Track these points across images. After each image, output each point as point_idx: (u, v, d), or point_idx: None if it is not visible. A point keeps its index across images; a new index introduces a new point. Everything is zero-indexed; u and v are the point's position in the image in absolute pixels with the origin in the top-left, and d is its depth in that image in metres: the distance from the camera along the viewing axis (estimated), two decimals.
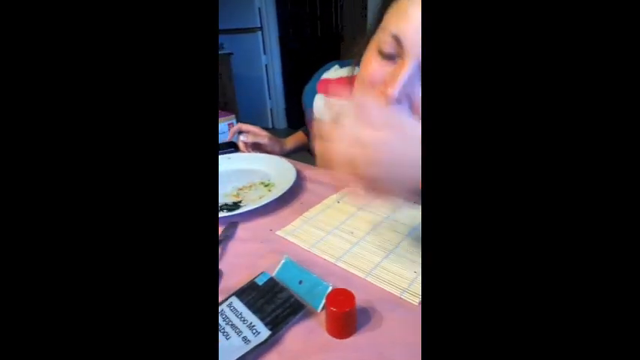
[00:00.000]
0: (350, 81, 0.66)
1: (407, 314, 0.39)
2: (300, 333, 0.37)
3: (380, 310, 0.39)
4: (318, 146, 0.35)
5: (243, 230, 0.55)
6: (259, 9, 2.97)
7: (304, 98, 0.78)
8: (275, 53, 3.13)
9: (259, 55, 3.14)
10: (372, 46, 0.45)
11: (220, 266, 0.47)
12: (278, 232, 0.54)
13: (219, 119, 1.05)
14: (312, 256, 0.49)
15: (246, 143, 0.81)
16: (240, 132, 0.81)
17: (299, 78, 3.07)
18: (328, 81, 0.73)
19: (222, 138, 1.00)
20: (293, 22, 2.95)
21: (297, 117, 3.20)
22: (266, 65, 3.19)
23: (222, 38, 3.22)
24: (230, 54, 2.92)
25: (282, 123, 3.39)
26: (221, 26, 3.23)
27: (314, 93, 0.74)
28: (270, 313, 0.38)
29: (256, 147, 0.83)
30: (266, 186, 0.67)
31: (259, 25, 3.03)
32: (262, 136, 0.81)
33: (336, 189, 0.66)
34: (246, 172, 0.73)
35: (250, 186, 0.67)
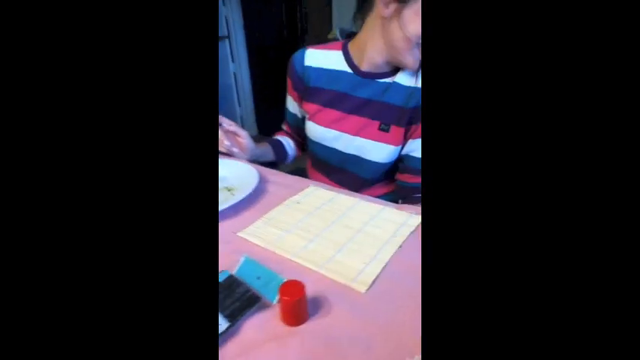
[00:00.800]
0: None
1: (354, 301, 0.43)
2: (256, 323, 0.40)
3: (330, 299, 0.43)
4: None
5: None
6: (226, 17, 2.98)
7: (294, 63, 0.87)
8: (243, 60, 3.14)
9: (227, 62, 3.14)
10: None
11: None
12: (239, 234, 0.57)
13: None
14: (270, 254, 0.52)
15: (227, 131, 0.81)
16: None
17: (267, 84, 3.10)
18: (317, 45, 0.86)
19: None
20: (259, 30, 2.98)
21: (268, 124, 3.22)
22: (234, 73, 3.20)
23: None
24: None
25: (252, 130, 3.39)
26: None
27: (302, 56, 0.86)
28: (229, 307, 0.41)
29: (231, 139, 0.83)
30: (229, 190, 0.70)
31: (226, 34, 3.04)
32: (241, 130, 0.82)
33: (297, 191, 0.69)
34: None
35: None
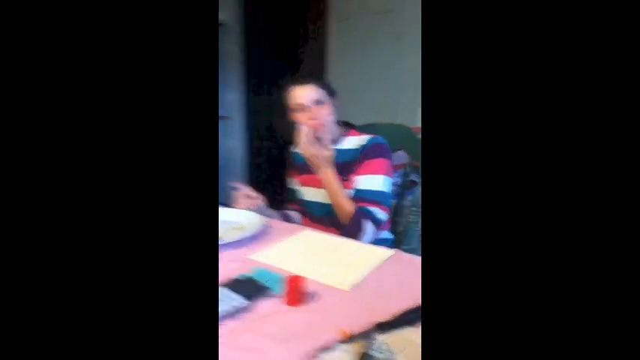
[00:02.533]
0: None
1: (340, 295, 0.58)
2: (267, 304, 0.55)
3: (322, 293, 0.59)
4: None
5: (225, 257, 0.74)
6: (230, 101, 3.41)
7: (290, 151, 1.25)
8: (240, 138, 3.50)
9: (227, 140, 3.49)
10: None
11: None
12: (250, 257, 0.73)
13: None
14: (275, 268, 0.68)
15: (244, 194, 1.04)
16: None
17: (260, 161, 3.42)
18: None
19: None
20: (262, 113, 3.39)
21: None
22: (232, 149, 3.53)
23: None
24: None
25: None
26: None
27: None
28: (246, 291, 0.56)
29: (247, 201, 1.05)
30: (241, 228, 0.87)
31: (229, 114, 3.44)
32: (255, 193, 1.06)
33: (293, 233, 0.87)
34: (223, 221, 0.93)
35: (229, 229, 0.87)
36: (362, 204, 0.99)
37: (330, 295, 0.59)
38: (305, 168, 1.13)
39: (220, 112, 3.45)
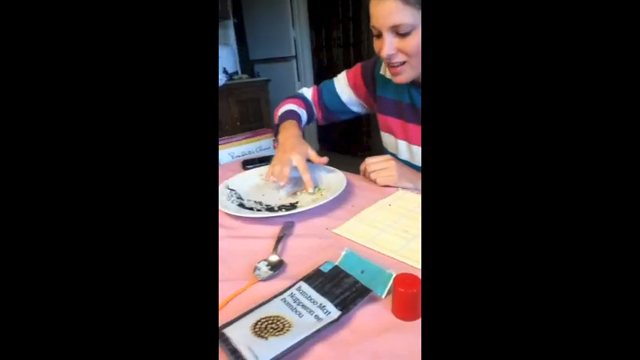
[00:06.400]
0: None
1: None
2: (368, 314, 0.39)
3: None
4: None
5: (300, 229, 0.59)
6: (294, 39, 3.13)
7: (375, 64, 0.90)
8: (308, 79, 3.26)
9: (294, 81, 3.28)
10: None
11: (283, 258, 0.50)
12: (334, 230, 0.57)
13: (266, 136, 1.12)
14: (368, 250, 0.51)
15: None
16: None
17: None
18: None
19: (267, 152, 1.07)
20: (326, 50, 3.08)
21: (328, 138, 3.29)
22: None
23: (258, 67, 3.41)
24: (268, 80, 3.06)
25: (314, 144, 3.47)
26: (259, 56, 3.42)
27: (380, 64, 0.89)
28: (339, 296, 0.40)
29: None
30: (319, 190, 0.71)
31: (294, 54, 3.19)
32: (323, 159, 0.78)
33: (385, 194, 0.68)
34: (297, 179, 0.77)
35: (303, 190, 0.71)
36: None
37: None
38: (393, 110, 0.84)
39: (284, 53, 3.22)
